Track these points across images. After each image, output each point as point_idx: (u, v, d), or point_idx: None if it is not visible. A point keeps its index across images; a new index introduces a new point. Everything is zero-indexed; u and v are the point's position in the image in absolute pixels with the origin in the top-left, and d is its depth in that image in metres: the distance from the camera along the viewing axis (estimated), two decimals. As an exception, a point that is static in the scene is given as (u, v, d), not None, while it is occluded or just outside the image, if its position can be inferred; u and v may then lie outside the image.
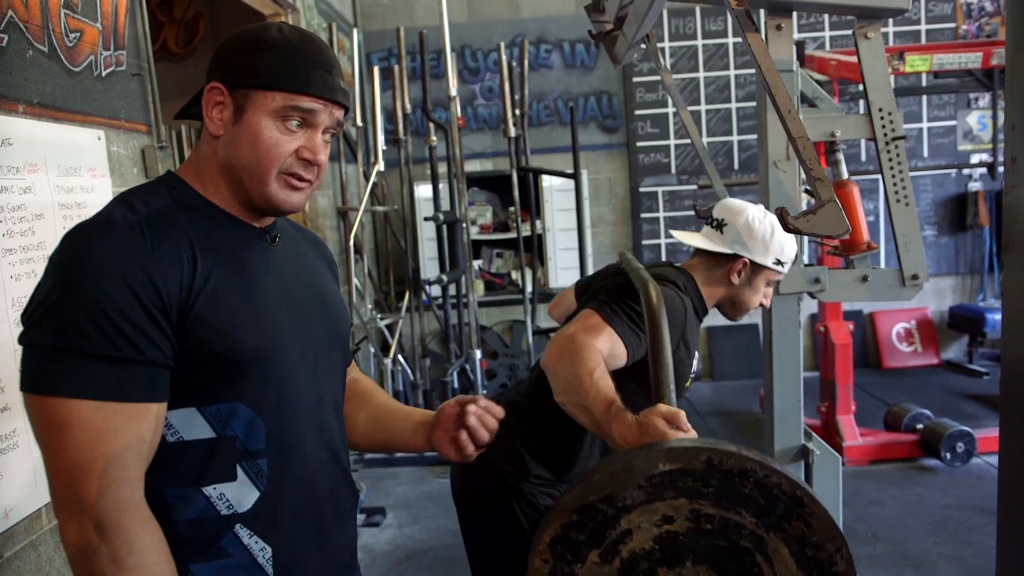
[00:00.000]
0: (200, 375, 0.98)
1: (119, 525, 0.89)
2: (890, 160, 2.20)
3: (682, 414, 1.09)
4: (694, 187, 5.84)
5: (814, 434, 2.36)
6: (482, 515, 1.77)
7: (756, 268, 1.76)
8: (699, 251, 1.82)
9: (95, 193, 1.99)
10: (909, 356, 5.88)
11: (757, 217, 1.74)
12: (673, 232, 1.94)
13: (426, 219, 4.21)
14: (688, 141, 5.81)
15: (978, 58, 3.80)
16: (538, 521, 1.63)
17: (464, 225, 4.32)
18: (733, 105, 5.78)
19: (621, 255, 1.99)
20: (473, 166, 5.69)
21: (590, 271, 4.78)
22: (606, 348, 1.44)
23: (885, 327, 5.91)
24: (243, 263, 1.03)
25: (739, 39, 5.72)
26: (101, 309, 0.89)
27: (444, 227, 4.31)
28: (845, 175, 2.34)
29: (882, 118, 2.15)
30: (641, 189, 5.87)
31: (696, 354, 1.84)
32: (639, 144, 5.84)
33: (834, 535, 0.91)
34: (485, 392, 4.53)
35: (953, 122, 5.81)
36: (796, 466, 2.32)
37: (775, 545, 0.92)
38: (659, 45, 5.73)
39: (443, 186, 4.59)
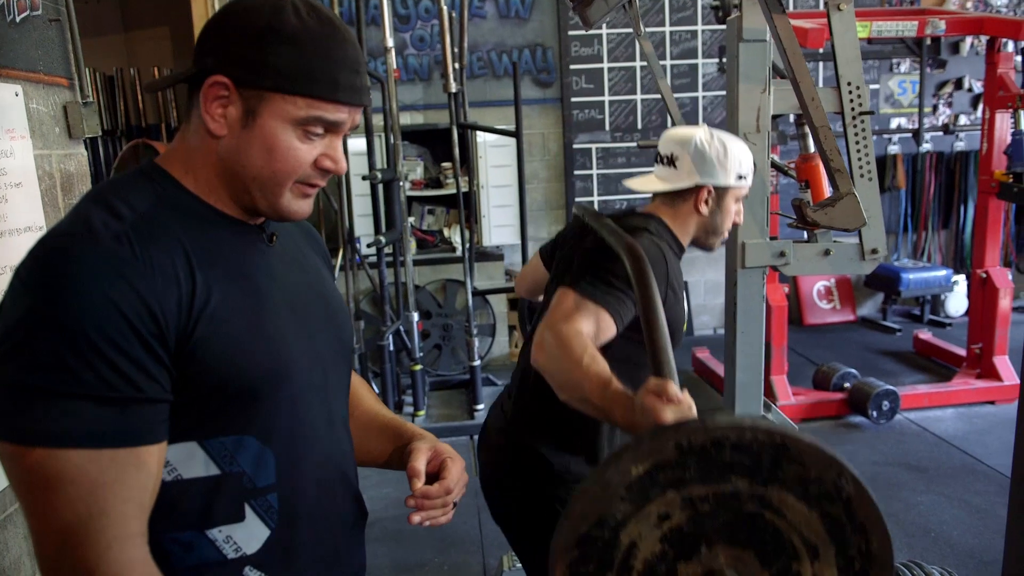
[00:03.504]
0: (201, 406, 0.85)
1: None
2: (856, 135, 2.19)
3: (670, 384, 1.03)
4: (628, 144, 5.83)
5: (773, 405, 2.40)
6: (533, 532, 1.71)
7: (720, 191, 1.69)
8: (661, 194, 1.73)
9: (15, 157, 1.77)
10: (828, 313, 6.11)
11: (705, 140, 1.65)
12: (628, 183, 1.83)
13: (363, 178, 4.02)
14: (623, 98, 5.77)
15: (914, 26, 3.87)
16: None
17: (401, 183, 4.16)
18: (668, 63, 5.74)
19: (578, 208, 1.89)
20: (404, 119, 5.47)
21: (529, 230, 4.71)
22: (591, 327, 1.38)
23: (807, 285, 6.11)
24: (243, 271, 0.90)
25: (675, -5, 5.66)
26: (87, 340, 0.75)
27: (380, 185, 4.14)
28: (812, 148, 2.33)
29: (850, 92, 2.13)
30: (575, 145, 5.80)
31: (684, 295, 1.78)
32: (574, 100, 5.75)
33: (830, 462, 0.87)
34: (421, 355, 4.44)
35: (876, 86, 5.97)
36: (755, 437, 2.36)
37: (778, 496, 0.88)
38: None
39: (376, 141, 4.39)
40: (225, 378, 0.84)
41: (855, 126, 2.17)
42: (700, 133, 1.65)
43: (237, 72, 0.84)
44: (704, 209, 1.68)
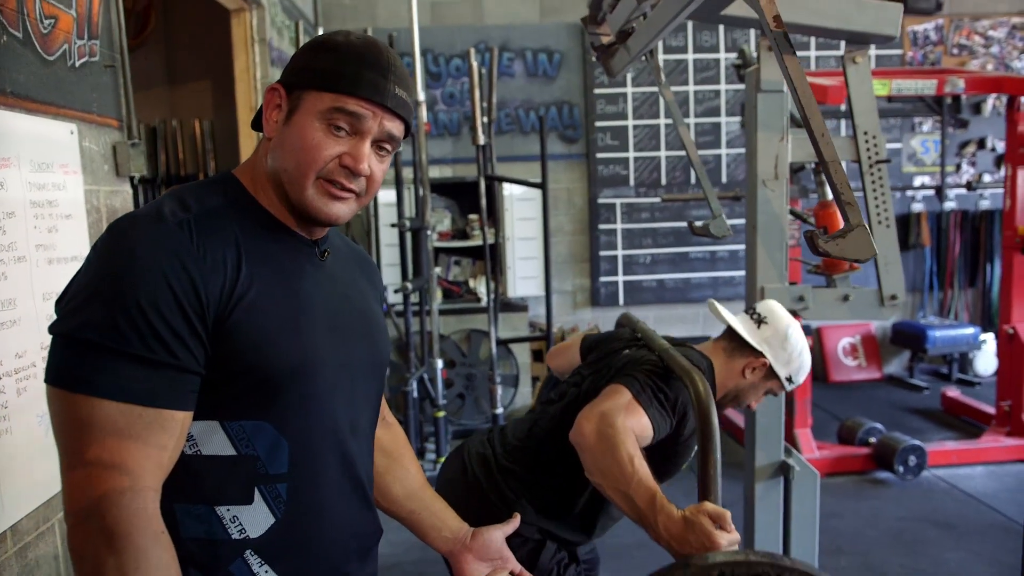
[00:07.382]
0: (228, 388, 0.94)
1: (129, 538, 0.83)
2: (873, 183, 2.24)
3: (727, 514, 1.18)
4: (652, 200, 5.91)
5: (794, 450, 2.39)
6: None
7: (770, 374, 1.78)
8: (727, 336, 1.82)
9: (67, 191, 1.88)
10: (854, 370, 6.05)
11: (795, 333, 1.78)
12: (714, 303, 1.92)
13: (392, 226, 4.13)
14: (647, 154, 5.88)
15: (933, 85, 3.94)
16: None
17: (428, 233, 4.26)
18: (692, 120, 5.86)
19: (628, 320, 1.96)
20: (432, 172, 5.62)
21: (553, 282, 4.77)
22: (638, 429, 1.46)
23: (831, 341, 6.08)
24: (289, 275, 0.99)
25: (698, 56, 5.82)
26: (138, 306, 0.85)
27: (408, 234, 4.24)
28: (830, 196, 2.38)
29: (867, 141, 2.19)
30: (599, 200, 5.90)
31: None
32: (599, 155, 5.87)
33: None
34: (444, 402, 4.47)
35: (899, 145, 6.03)
36: (776, 482, 2.34)
37: None
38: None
39: (406, 192, 4.52)
40: (252, 364, 0.92)
41: (872, 174, 2.23)
42: (796, 327, 1.79)
43: (288, 78, 0.98)
44: (748, 375, 1.78)
